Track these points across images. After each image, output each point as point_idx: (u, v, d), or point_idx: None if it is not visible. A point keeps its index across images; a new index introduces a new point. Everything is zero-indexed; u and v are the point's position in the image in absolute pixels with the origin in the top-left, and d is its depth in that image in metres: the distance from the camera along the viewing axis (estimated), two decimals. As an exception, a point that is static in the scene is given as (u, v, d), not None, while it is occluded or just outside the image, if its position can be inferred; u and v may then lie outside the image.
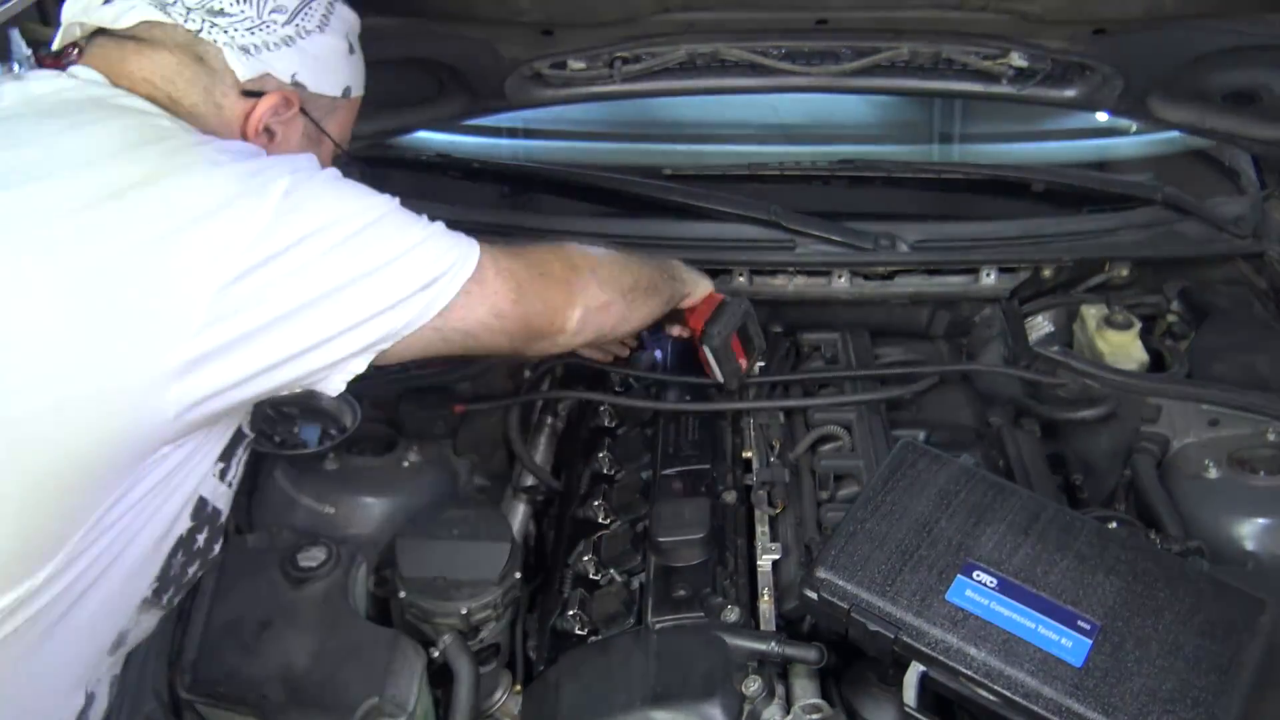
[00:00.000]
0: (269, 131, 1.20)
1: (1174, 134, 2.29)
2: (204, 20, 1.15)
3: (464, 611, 1.40)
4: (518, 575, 1.47)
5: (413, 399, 1.76)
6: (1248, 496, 1.58)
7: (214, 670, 1.35)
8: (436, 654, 1.39)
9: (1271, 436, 1.65)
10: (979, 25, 1.68)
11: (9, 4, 1.73)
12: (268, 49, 1.17)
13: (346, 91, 1.28)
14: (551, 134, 2.53)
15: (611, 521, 1.65)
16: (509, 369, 1.92)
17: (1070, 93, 1.81)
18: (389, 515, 1.53)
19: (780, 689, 1.33)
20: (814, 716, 1.27)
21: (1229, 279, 2.05)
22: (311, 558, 1.43)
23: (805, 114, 2.61)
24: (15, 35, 1.92)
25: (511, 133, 2.53)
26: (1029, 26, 1.65)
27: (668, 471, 1.66)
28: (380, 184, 2.36)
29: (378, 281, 1.09)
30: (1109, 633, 1.15)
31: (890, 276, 2.04)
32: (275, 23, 1.17)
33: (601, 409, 1.89)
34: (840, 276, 2.03)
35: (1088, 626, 1.16)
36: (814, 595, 1.25)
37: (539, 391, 1.92)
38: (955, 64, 1.78)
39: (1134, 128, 2.45)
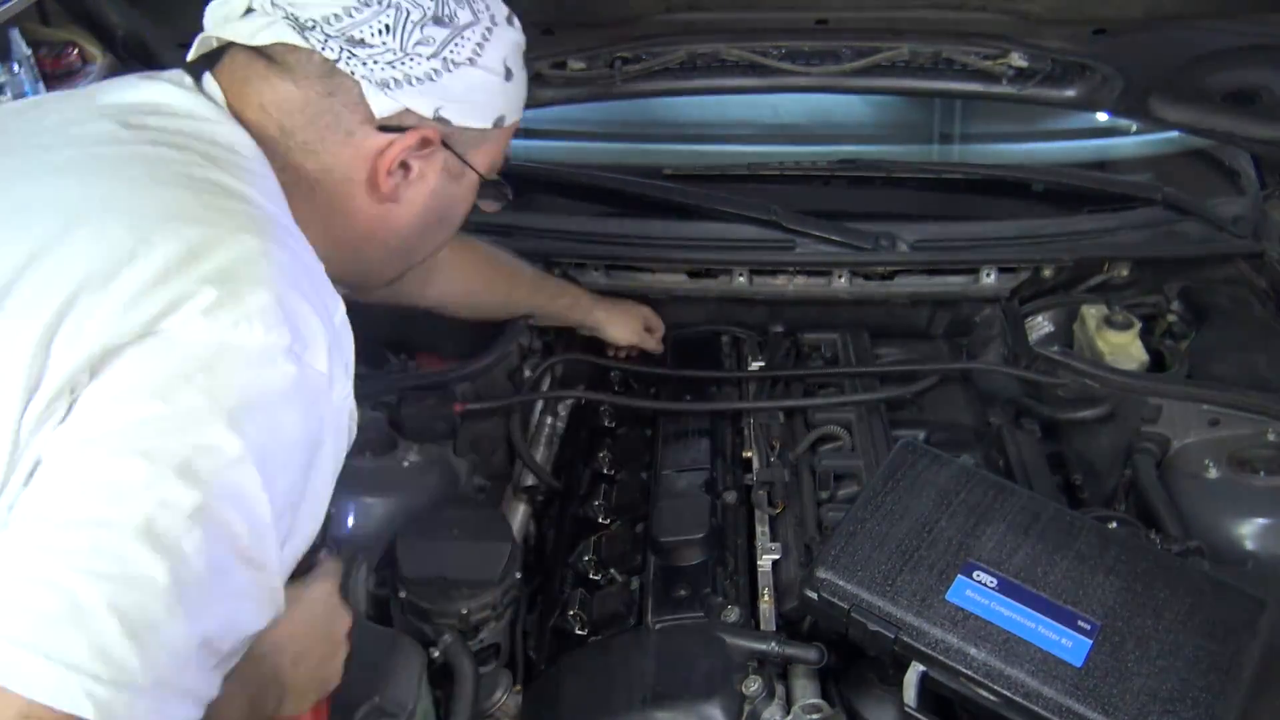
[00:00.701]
0: (405, 167, 1.10)
1: (1174, 134, 2.30)
2: (342, 50, 1.04)
3: (464, 611, 1.40)
4: (518, 575, 1.47)
5: (413, 399, 1.76)
6: (1248, 496, 1.58)
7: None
8: (436, 654, 1.39)
9: (1271, 436, 1.65)
10: (979, 25, 1.68)
11: (9, 4, 1.73)
12: (409, 84, 1.06)
13: (499, 121, 1.15)
14: (551, 134, 2.54)
15: (611, 521, 1.66)
16: (509, 369, 1.92)
17: (1070, 93, 1.81)
18: (389, 515, 1.53)
19: (780, 689, 1.33)
20: (814, 716, 1.27)
21: (1229, 279, 2.04)
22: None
23: (805, 114, 2.62)
24: (15, 35, 1.93)
25: (512, 132, 2.53)
26: (1029, 26, 1.65)
27: (668, 471, 1.66)
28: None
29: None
30: (1109, 632, 1.15)
31: (890, 276, 2.04)
32: (420, 55, 1.06)
33: (601, 409, 1.90)
34: (840, 276, 2.03)
35: (1088, 626, 1.16)
36: (814, 595, 1.25)
37: (539, 391, 1.92)
38: (955, 64, 1.78)
39: (1134, 128, 2.46)
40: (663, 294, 2.10)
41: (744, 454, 1.73)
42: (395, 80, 1.05)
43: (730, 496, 1.63)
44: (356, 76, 1.04)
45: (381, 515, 1.53)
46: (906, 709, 1.19)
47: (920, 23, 1.69)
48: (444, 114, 1.08)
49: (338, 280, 1.04)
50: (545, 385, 1.97)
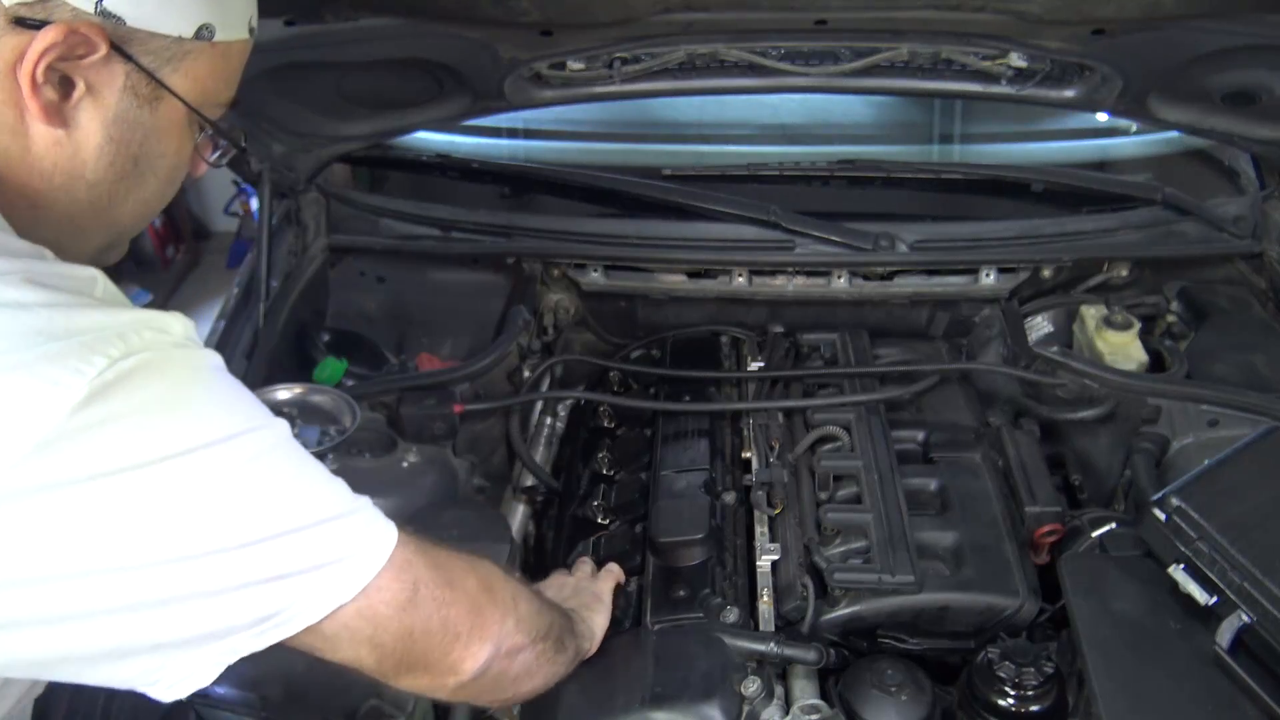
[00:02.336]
0: (66, 82, 0.86)
1: (1174, 134, 2.29)
2: None
3: (463, 612, 1.40)
4: (517, 575, 1.47)
5: (413, 399, 1.76)
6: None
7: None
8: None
9: (1272, 437, 1.65)
10: (978, 25, 1.67)
11: None
12: None
13: (205, 31, 0.91)
14: (551, 134, 2.54)
15: (611, 521, 1.66)
16: (509, 369, 1.92)
17: (1070, 93, 1.81)
18: (389, 515, 1.53)
19: (779, 689, 1.34)
20: (813, 717, 1.27)
21: (1229, 279, 2.05)
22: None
23: (805, 114, 2.62)
24: None
25: (511, 133, 2.53)
26: (1028, 26, 1.65)
27: (667, 472, 1.66)
28: (381, 184, 2.37)
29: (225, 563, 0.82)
30: None
31: (890, 277, 2.04)
32: None
33: (601, 409, 1.90)
34: (840, 277, 2.04)
35: None
36: (1162, 516, 1.29)
37: (539, 392, 1.92)
38: (955, 64, 1.78)
39: (1134, 128, 2.46)
40: (662, 294, 2.11)
41: (743, 454, 1.73)
42: None
43: (729, 497, 1.63)
44: None
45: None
46: (1217, 649, 1.20)
47: (920, 23, 1.69)
48: (110, 7, 0.85)
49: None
50: (545, 385, 1.97)
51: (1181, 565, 1.27)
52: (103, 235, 0.99)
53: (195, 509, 0.80)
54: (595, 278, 2.09)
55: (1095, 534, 1.50)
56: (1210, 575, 1.24)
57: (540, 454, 1.90)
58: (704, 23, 1.70)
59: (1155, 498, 1.33)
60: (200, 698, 1.33)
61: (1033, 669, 1.28)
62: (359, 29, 1.67)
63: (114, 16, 0.85)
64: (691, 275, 2.07)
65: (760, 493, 1.60)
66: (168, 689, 0.84)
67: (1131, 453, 1.67)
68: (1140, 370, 1.82)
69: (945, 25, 1.69)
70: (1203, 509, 1.28)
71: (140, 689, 0.84)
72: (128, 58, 0.88)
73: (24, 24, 0.83)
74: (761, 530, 1.57)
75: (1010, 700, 1.27)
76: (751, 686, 1.29)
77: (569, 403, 1.99)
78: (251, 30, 0.98)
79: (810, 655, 1.34)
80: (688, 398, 1.85)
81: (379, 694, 1.31)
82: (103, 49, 0.85)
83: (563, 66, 1.81)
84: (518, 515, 1.80)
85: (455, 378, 1.79)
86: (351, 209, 2.10)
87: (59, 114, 0.87)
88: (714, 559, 1.50)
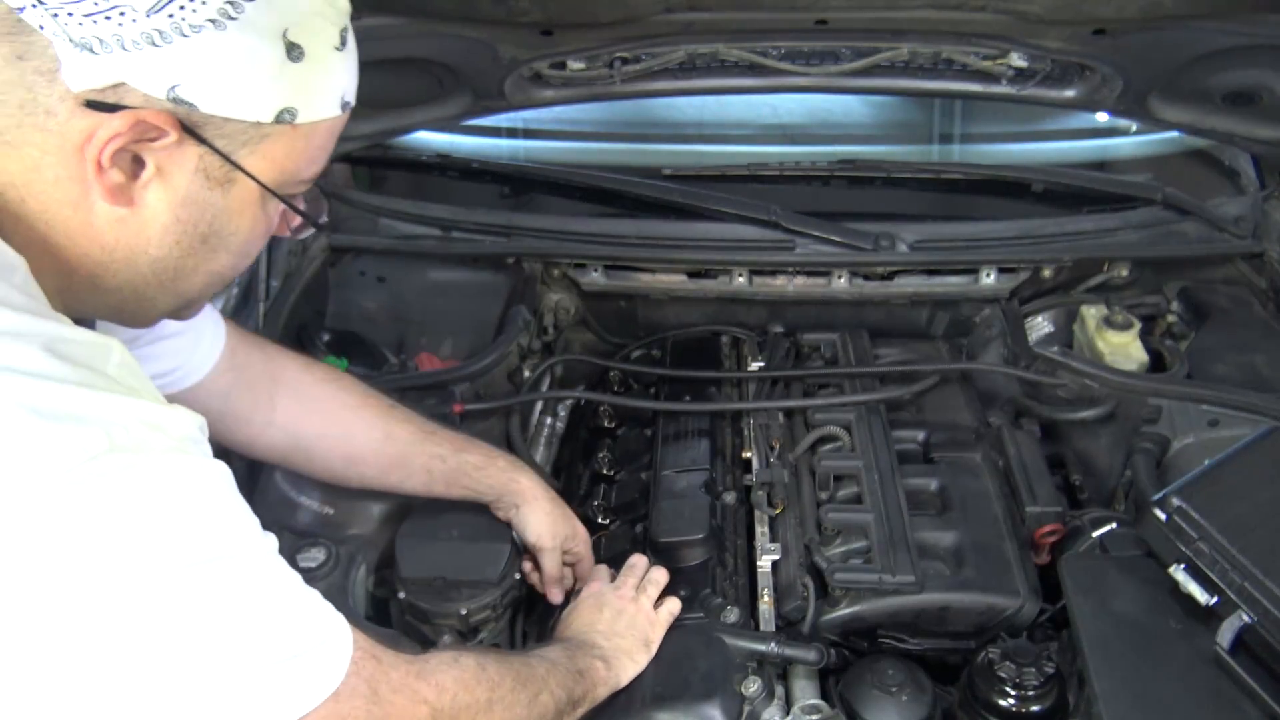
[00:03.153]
0: (137, 161, 0.85)
1: (1174, 134, 2.29)
2: None
3: (463, 612, 1.40)
4: (517, 576, 1.47)
5: (413, 399, 1.76)
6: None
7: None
8: (436, 654, 1.39)
9: (1272, 436, 1.65)
10: (979, 25, 1.67)
11: None
12: (122, 47, 0.80)
13: (285, 115, 0.88)
14: (551, 134, 2.54)
15: (611, 521, 1.66)
16: (509, 369, 1.92)
17: (1070, 93, 1.81)
18: (389, 515, 1.53)
19: (780, 689, 1.34)
20: (814, 717, 1.27)
21: (1229, 279, 2.05)
22: (311, 558, 1.43)
23: (805, 114, 2.62)
24: None
25: (511, 133, 2.54)
26: (1028, 26, 1.65)
27: (667, 472, 1.66)
28: (381, 184, 2.38)
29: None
30: None
31: (890, 277, 2.04)
32: (133, 9, 0.80)
33: (601, 409, 1.89)
34: (840, 277, 2.03)
35: None
36: (1163, 516, 1.28)
37: (539, 392, 1.92)
38: (955, 64, 1.78)
39: (1134, 128, 2.46)
40: (663, 294, 2.11)
41: (744, 454, 1.72)
42: (100, 40, 0.80)
43: (730, 497, 1.63)
44: (47, 33, 0.80)
45: (381, 515, 1.53)
46: (1218, 649, 1.20)
47: (920, 23, 1.69)
48: (182, 94, 0.83)
49: (93, 317, 0.90)
50: (545, 385, 1.97)
51: (1182, 565, 1.27)
52: (170, 302, 0.98)
53: (133, 628, 0.77)
54: (595, 278, 2.09)
55: (1096, 534, 1.50)
56: (1211, 575, 1.24)
57: (540, 454, 1.90)
58: (704, 22, 1.70)
59: (1156, 498, 1.33)
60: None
61: (1033, 669, 1.28)
62: (359, 29, 1.65)
63: (186, 103, 0.84)
64: (692, 275, 2.07)
65: (761, 493, 1.60)
66: None
67: (1132, 453, 1.67)
68: (1140, 370, 1.82)
69: (945, 25, 1.69)
70: (1203, 509, 1.28)
71: None
72: (201, 141, 0.86)
73: (94, 107, 0.82)
74: (762, 530, 1.57)
75: (1011, 700, 1.27)
76: (752, 686, 1.29)
77: (569, 403, 1.99)
78: (345, 105, 0.95)
79: (811, 655, 1.34)
80: (688, 398, 1.85)
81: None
82: (173, 135, 0.84)
83: (563, 66, 1.80)
84: (518, 515, 1.80)
85: (455, 378, 1.79)
86: (351, 209, 2.10)
87: (125, 194, 0.86)
88: (714, 559, 1.50)
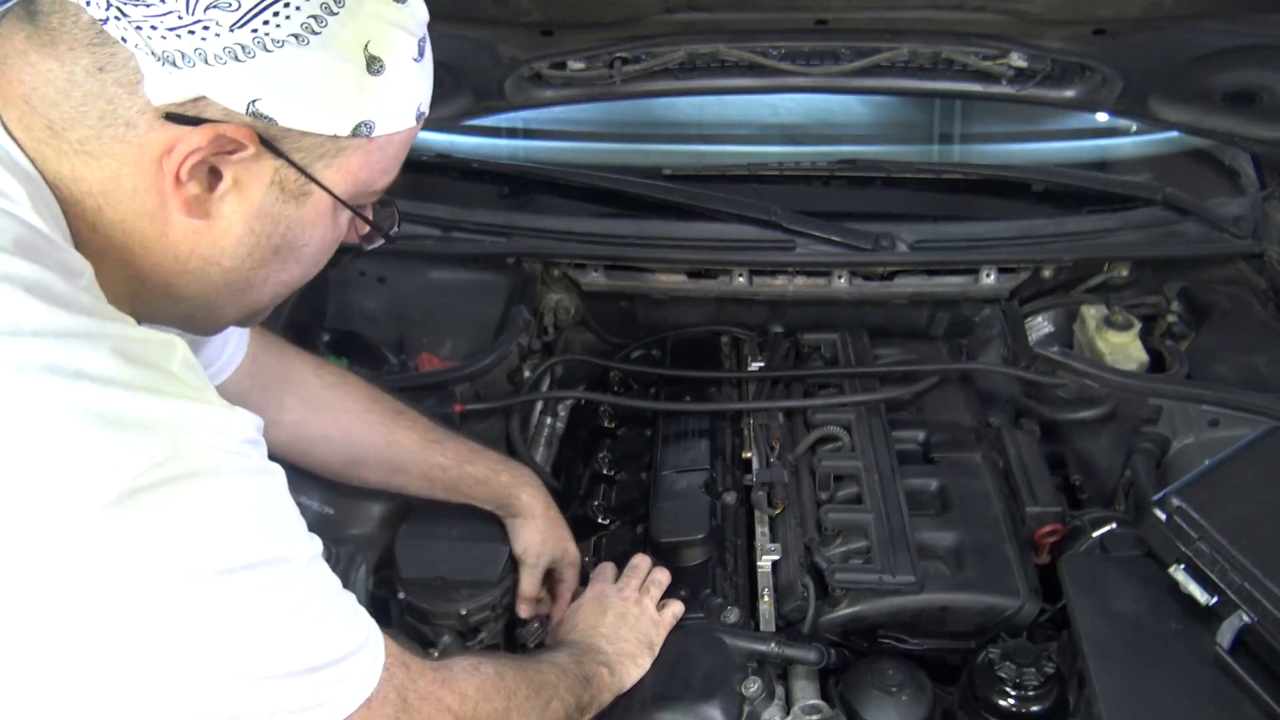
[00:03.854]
0: (214, 173, 0.86)
1: (1174, 134, 2.29)
2: (110, 3, 0.79)
3: (463, 612, 1.40)
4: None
5: (413, 399, 1.76)
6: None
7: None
8: (436, 655, 1.39)
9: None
10: (979, 25, 1.67)
11: None
12: (204, 61, 0.80)
13: (362, 129, 0.88)
14: (551, 134, 2.54)
15: (612, 522, 1.66)
16: (509, 369, 1.92)
17: (1070, 93, 1.81)
18: (389, 515, 1.53)
19: (780, 689, 1.34)
20: (814, 717, 1.27)
21: (1229, 279, 2.04)
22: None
23: (805, 114, 2.62)
24: None
25: (511, 133, 2.53)
26: (1029, 26, 1.65)
27: (667, 472, 1.66)
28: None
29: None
30: None
31: (890, 277, 2.04)
32: (217, 24, 0.80)
33: (601, 409, 1.90)
34: (840, 277, 2.03)
35: None
36: (1163, 516, 1.28)
37: (539, 392, 1.92)
38: (955, 64, 1.78)
39: (1134, 128, 2.46)
40: (663, 294, 2.10)
41: (744, 454, 1.72)
42: (182, 54, 0.80)
43: (730, 497, 1.63)
44: (130, 45, 0.79)
45: (381, 515, 1.53)
46: (1218, 649, 1.20)
47: (920, 23, 1.69)
48: (262, 108, 0.83)
49: (162, 325, 0.90)
50: (545, 385, 1.97)
51: (1182, 565, 1.27)
52: (238, 311, 0.99)
53: (189, 633, 0.79)
54: (595, 278, 2.09)
55: (1096, 534, 1.50)
56: (1211, 575, 1.24)
57: (540, 454, 1.90)
58: (704, 23, 1.70)
59: (1156, 498, 1.33)
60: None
61: (1033, 669, 1.28)
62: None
63: (266, 117, 0.83)
64: (692, 275, 2.07)
65: (761, 493, 1.60)
66: None
67: (1132, 453, 1.67)
68: (1140, 370, 1.82)
69: (945, 25, 1.69)
70: (1203, 509, 1.28)
71: None
72: (278, 154, 0.86)
73: (175, 120, 0.82)
74: (762, 530, 1.57)
75: (1011, 700, 1.27)
76: (752, 687, 1.29)
77: (569, 403, 1.99)
78: (420, 115, 0.94)
79: (811, 655, 1.34)
80: (688, 398, 1.85)
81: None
82: (251, 149, 0.84)
83: (563, 66, 1.81)
84: (518, 515, 1.80)
85: (455, 378, 1.79)
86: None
87: (201, 207, 0.87)
88: (714, 559, 1.50)
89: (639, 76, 1.81)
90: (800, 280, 2.05)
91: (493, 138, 2.51)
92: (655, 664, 1.32)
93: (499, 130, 2.52)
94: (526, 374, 1.95)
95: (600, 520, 1.66)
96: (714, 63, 1.81)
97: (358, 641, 0.92)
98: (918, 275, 2.04)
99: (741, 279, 2.05)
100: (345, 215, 0.96)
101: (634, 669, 1.31)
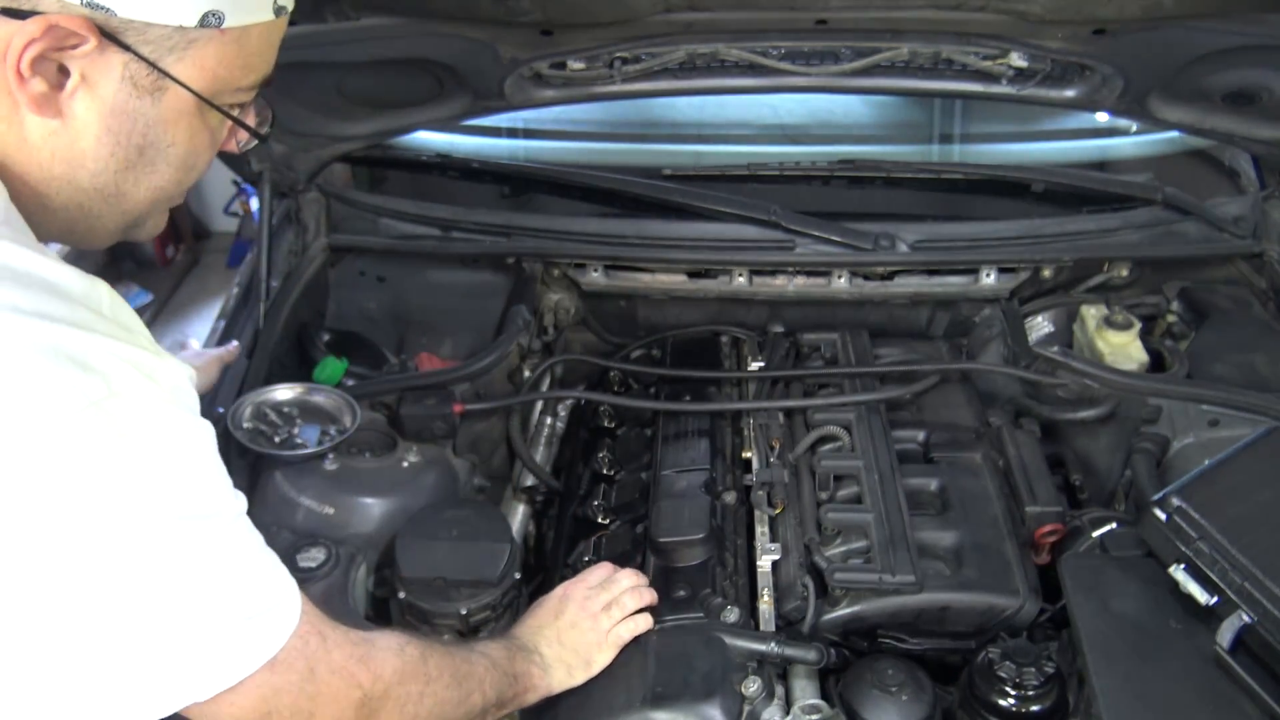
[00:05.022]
0: (64, 72, 0.84)
1: (1174, 134, 2.29)
2: None
3: (463, 612, 1.40)
4: (517, 575, 1.47)
5: (413, 399, 1.76)
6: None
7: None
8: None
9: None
10: (978, 25, 1.67)
11: None
12: None
13: (210, 18, 0.86)
14: (551, 134, 2.54)
15: (611, 521, 1.66)
16: (509, 369, 1.92)
17: (1070, 93, 1.81)
18: (389, 515, 1.53)
19: (780, 689, 1.34)
20: (814, 717, 1.27)
21: (1229, 279, 2.05)
22: (311, 558, 1.43)
23: (805, 114, 2.61)
24: None
25: (511, 133, 2.53)
26: (1028, 26, 1.65)
27: (667, 472, 1.66)
28: (381, 184, 2.37)
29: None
30: None
31: (890, 277, 2.04)
32: None
33: (601, 409, 1.90)
34: (840, 277, 2.04)
35: None
36: (1162, 516, 1.29)
37: (539, 392, 1.92)
38: (955, 64, 1.78)
39: (1134, 128, 2.45)
40: (663, 294, 2.11)
41: (744, 454, 1.72)
42: None
43: (730, 497, 1.63)
44: None
45: (381, 515, 1.53)
46: (1218, 649, 1.20)
47: (920, 23, 1.69)
48: None
49: (45, 240, 0.90)
50: (545, 385, 1.97)
51: (1182, 565, 1.27)
52: (117, 220, 0.97)
53: (101, 567, 0.80)
54: (595, 278, 2.09)
55: (1096, 534, 1.50)
56: (1211, 575, 1.24)
57: (540, 454, 1.90)
58: (704, 23, 1.70)
59: (1156, 498, 1.33)
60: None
61: (1033, 669, 1.28)
62: (359, 29, 1.67)
63: (102, 8, 0.82)
64: (692, 275, 2.07)
65: (761, 493, 1.60)
66: None
67: (1132, 453, 1.67)
68: (1140, 370, 1.82)
69: (945, 25, 1.69)
70: (1203, 509, 1.28)
71: None
72: (124, 47, 0.85)
73: (9, 14, 0.81)
74: (762, 530, 1.57)
75: (1011, 700, 1.27)
76: (752, 686, 1.29)
77: (569, 403, 1.99)
78: (279, 10, 0.93)
79: (811, 655, 1.34)
80: (688, 398, 1.85)
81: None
82: (92, 40, 0.83)
83: (563, 66, 1.81)
84: (518, 515, 1.80)
85: (455, 378, 1.79)
86: (351, 209, 2.10)
87: (52, 104, 0.85)
88: (714, 559, 1.50)
89: (639, 76, 1.81)
90: (800, 280, 2.05)
91: (493, 138, 2.51)
92: (655, 663, 1.32)
93: (499, 130, 2.52)
94: (526, 374, 1.95)
95: (600, 520, 1.66)
96: (714, 63, 1.81)
97: (268, 603, 0.91)
98: (918, 275, 2.04)
99: (741, 279, 2.05)
100: (215, 116, 0.94)
101: (566, 678, 1.30)
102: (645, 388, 1.95)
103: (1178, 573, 1.27)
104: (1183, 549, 1.27)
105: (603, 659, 1.34)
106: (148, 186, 0.95)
